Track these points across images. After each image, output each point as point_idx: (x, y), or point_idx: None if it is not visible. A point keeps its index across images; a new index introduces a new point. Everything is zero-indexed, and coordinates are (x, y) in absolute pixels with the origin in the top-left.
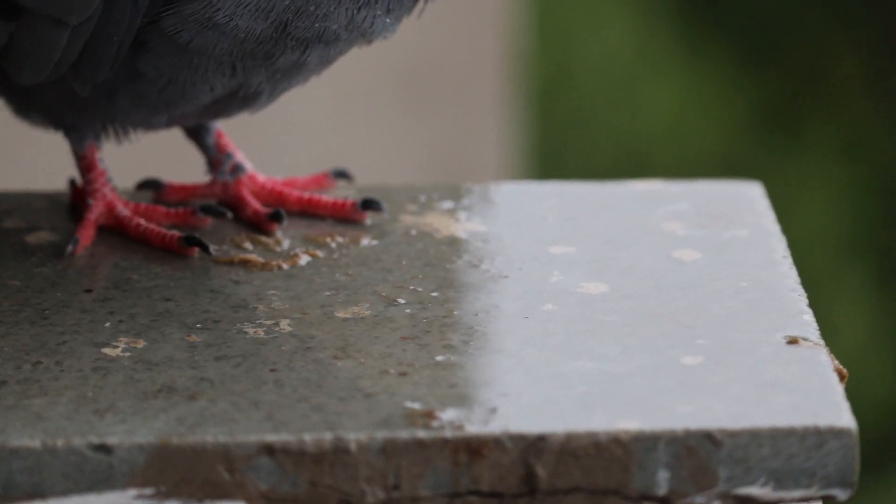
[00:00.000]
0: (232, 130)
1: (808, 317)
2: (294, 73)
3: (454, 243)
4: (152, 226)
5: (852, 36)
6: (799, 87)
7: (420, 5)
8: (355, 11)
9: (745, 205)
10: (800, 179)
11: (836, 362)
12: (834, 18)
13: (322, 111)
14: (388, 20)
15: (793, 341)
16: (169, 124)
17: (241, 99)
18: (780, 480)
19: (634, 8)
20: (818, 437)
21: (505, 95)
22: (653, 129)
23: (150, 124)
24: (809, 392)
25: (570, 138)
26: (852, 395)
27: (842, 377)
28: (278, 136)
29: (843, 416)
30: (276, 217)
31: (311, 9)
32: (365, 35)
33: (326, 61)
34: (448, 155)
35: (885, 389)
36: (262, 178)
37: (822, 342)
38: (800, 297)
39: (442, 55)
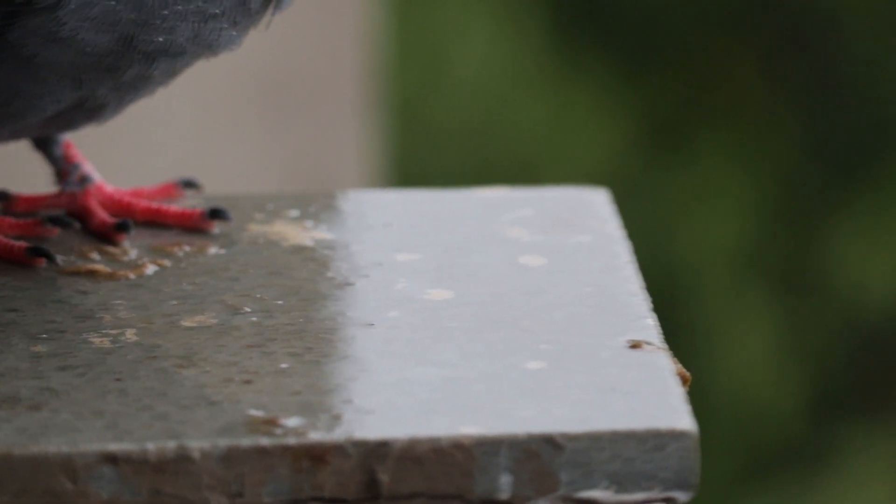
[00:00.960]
0: (93, 142)
1: (651, 321)
2: (140, 85)
3: (301, 251)
4: None
5: (746, 41)
6: (691, 97)
7: (267, 17)
8: (201, 24)
9: (590, 210)
10: (695, 192)
11: (679, 366)
12: (726, 24)
13: (182, 122)
14: (234, 33)
15: (635, 345)
16: (13, 137)
17: (86, 111)
18: (621, 483)
19: (506, 18)
20: (658, 440)
21: (366, 105)
22: (532, 143)
23: None
24: (650, 395)
25: (441, 150)
26: (756, 408)
27: (684, 381)
28: (139, 148)
29: (682, 419)
30: (122, 227)
31: (157, 22)
32: (211, 48)
33: (172, 74)
34: (309, 165)
35: (789, 402)
36: (109, 188)
37: (664, 346)
38: (642, 302)
39: (302, 64)
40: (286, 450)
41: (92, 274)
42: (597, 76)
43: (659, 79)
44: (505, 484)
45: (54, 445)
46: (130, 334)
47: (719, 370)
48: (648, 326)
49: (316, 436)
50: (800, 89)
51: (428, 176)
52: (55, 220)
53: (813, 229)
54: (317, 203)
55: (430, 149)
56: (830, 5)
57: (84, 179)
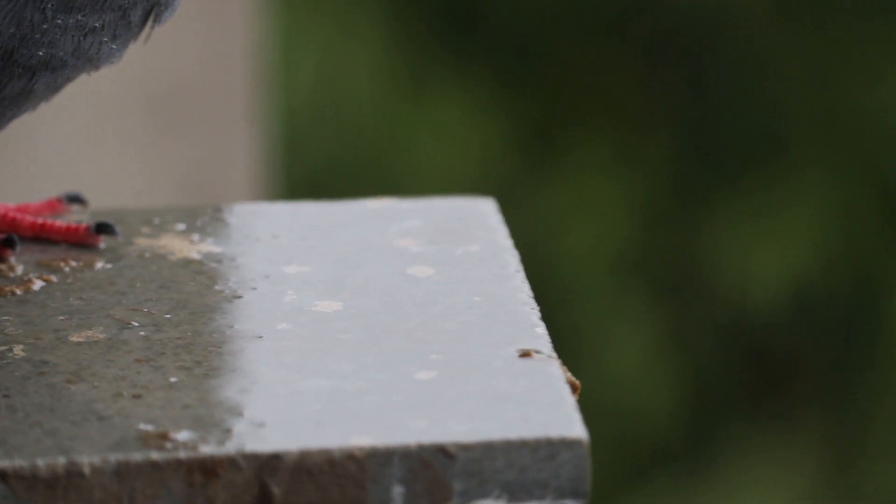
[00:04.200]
0: None
1: (541, 329)
2: (22, 100)
3: (188, 265)
4: None
5: (622, 45)
6: (569, 102)
7: (147, 31)
8: (81, 38)
9: (478, 220)
10: (573, 196)
11: (569, 374)
12: (602, 28)
13: (69, 136)
14: (114, 46)
15: (525, 354)
16: None
17: None
18: (514, 492)
19: (388, 27)
20: (550, 449)
21: (257, 116)
22: (415, 150)
23: None
24: (541, 404)
25: (334, 162)
26: (639, 411)
27: (574, 389)
28: (28, 163)
29: (574, 427)
30: (8, 243)
31: (37, 36)
32: (91, 61)
33: (54, 88)
34: (197, 177)
35: (669, 404)
36: None
37: (554, 354)
38: (532, 311)
39: (188, 77)
40: (179, 464)
41: None
42: (479, 82)
43: (534, 84)
44: (398, 494)
45: None
46: (18, 350)
47: (602, 373)
48: (538, 335)
49: (207, 449)
50: (675, 91)
51: (329, 187)
52: None
53: (691, 231)
54: (203, 216)
55: (331, 160)
56: (706, 10)
57: None
